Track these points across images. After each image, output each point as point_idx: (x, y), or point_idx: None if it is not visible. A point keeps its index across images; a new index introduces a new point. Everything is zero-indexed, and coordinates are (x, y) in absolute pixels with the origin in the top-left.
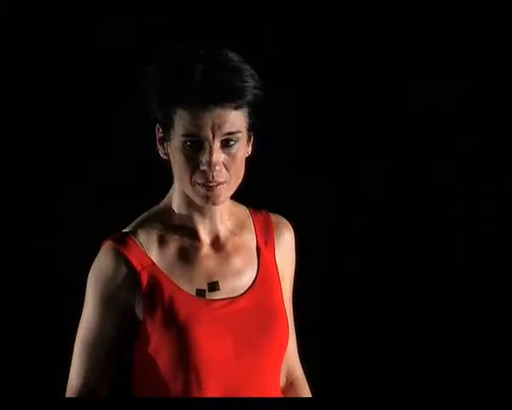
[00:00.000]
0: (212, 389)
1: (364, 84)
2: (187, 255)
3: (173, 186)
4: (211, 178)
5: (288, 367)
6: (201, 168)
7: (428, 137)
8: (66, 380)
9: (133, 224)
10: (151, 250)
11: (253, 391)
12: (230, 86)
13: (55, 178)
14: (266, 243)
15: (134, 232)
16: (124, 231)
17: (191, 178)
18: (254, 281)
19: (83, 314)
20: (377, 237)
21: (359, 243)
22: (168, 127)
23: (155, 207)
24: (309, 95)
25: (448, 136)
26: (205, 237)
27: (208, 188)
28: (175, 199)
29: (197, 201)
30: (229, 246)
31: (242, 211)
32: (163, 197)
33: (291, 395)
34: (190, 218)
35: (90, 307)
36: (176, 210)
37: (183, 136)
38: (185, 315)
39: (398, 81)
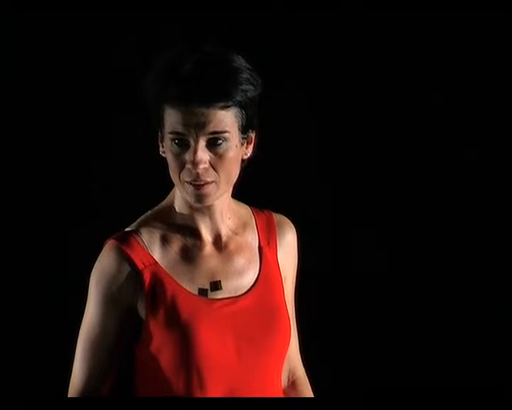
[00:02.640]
0: (214, 388)
1: (367, 82)
2: (189, 254)
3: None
4: (196, 177)
5: (290, 367)
6: (187, 167)
7: (429, 136)
8: (69, 378)
9: (136, 223)
10: (154, 249)
11: (254, 390)
12: (217, 86)
13: (57, 178)
14: (269, 243)
15: (137, 231)
16: (126, 229)
17: (179, 176)
18: (256, 280)
19: (85, 313)
20: (379, 237)
21: (362, 244)
22: (160, 125)
23: (158, 206)
24: (310, 94)
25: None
26: (207, 236)
27: (196, 187)
28: (176, 198)
29: (188, 199)
30: (231, 245)
31: (245, 210)
32: (166, 196)
33: (293, 394)
34: (191, 217)
35: (92, 306)
36: (177, 209)
37: (170, 134)
38: (187, 314)
39: (399, 81)
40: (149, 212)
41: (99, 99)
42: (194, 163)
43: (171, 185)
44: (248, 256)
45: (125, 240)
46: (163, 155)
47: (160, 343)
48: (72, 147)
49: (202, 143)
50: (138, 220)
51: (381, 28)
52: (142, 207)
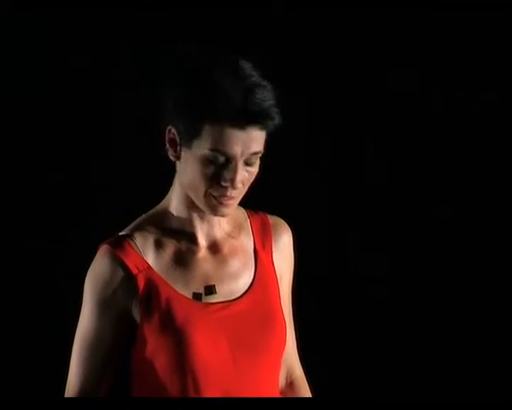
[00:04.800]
0: (209, 392)
1: (365, 82)
2: (183, 258)
3: (172, 188)
4: (227, 194)
5: (288, 368)
6: (223, 184)
7: (427, 137)
8: (65, 382)
9: (130, 227)
10: (147, 253)
11: (250, 394)
12: (265, 108)
13: (55, 179)
14: (264, 246)
15: (130, 235)
16: (120, 234)
17: (207, 189)
18: (251, 284)
19: (80, 317)
20: (377, 238)
21: (359, 244)
22: (192, 136)
23: (152, 210)
24: (308, 95)
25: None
26: (202, 240)
27: (221, 202)
28: (174, 201)
29: (205, 210)
30: (225, 249)
31: (240, 213)
32: (160, 200)
33: (291, 395)
34: (189, 221)
35: (87, 311)
36: (174, 213)
37: (211, 150)
38: (182, 319)
39: (401, 83)
40: (143, 216)
41: (99, 99)
42: (235, 182)
43: (166, 188)
44: (243, 259)
45: (118, 245)
46: (173, 159)
47: (155, 348)
48: (72, 146)
49: (242, 162)
50: (132, 224)
51: (381, 28)
52: (142, 207)
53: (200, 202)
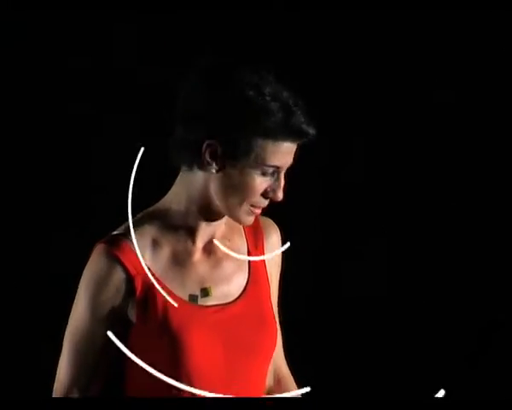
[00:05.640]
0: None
1: (365, 82)
2: (180, 260)
3: (178, 187)
4: (266, 204)
5: (276, 366)
6: (267, 196)
7: (419, 140)
8: (53, 379)
9: (127, 225)
10: (144, 253)
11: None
12: (312, 124)
13: (53, 179)
14: (256, 247)
15: (127, 234)
16: (116, 232)
17: (248, 200)
18: (245, 287)
19: (72, 315)
20: (369, 239)
21: (352, 245)
22: (245, 152)
23: (152, 207)
24: (308, 95)
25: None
26: (200, 242)
27: (255, 211)
28: (181, 201)
29: (234, 217)
30: (220, 251)
31: None
32: (158, 199)
33: (279, 392)
34: (195, 222)
35: (80, 308)
36: (180, 211)
37: (266, 166)
38: (178, 320)
39: (398, 82)
40: (141, 214)
41: (99, 99)
42: (279, 193)
43: (163, 188)
44: (237, 262)
45: (115, 244)
46: (212, 171)
47: (150, 349)
48: (72, 146)
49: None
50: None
51: (382, 28)
52: (144, 206)
53: (231, 211)
